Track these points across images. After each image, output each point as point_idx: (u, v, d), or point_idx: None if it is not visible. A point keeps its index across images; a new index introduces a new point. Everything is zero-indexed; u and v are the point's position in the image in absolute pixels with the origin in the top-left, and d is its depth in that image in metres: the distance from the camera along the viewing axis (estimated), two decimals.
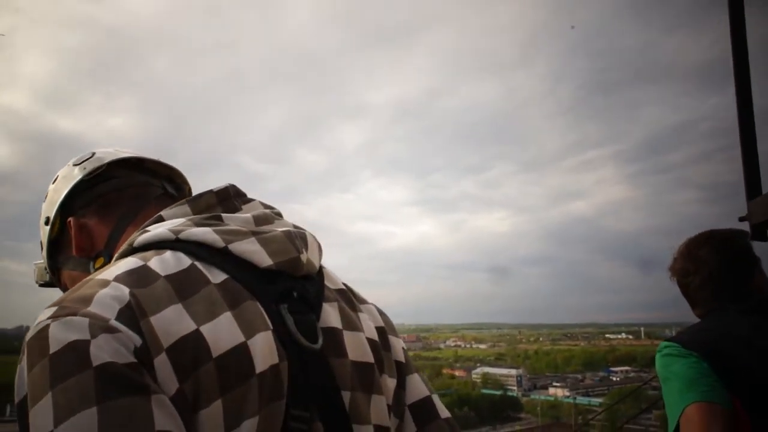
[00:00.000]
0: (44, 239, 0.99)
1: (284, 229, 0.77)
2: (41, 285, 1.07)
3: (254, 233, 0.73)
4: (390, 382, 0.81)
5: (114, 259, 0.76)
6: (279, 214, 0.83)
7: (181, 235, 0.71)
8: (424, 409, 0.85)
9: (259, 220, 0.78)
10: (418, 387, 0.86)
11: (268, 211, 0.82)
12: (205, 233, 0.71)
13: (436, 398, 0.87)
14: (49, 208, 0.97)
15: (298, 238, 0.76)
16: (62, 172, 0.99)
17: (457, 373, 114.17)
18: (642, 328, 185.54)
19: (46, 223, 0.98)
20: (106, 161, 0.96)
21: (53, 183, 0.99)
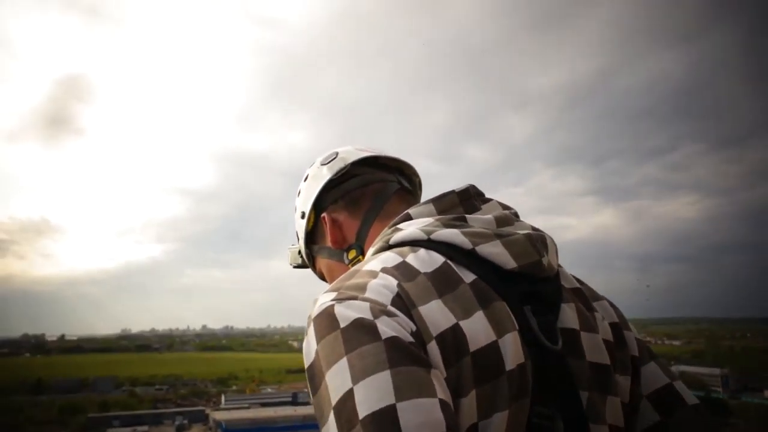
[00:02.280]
0: (300, 231, 1.13)
1: (525, 231, 0.79)
2: (295, 267, 1.23)
3: (498, 235, 0.77)
4: (624, 381, 0.83)
5: (371, 253, 0.85)
6: (516, 215, 0.87)
7: (433, 236, 0.77)
8: (665, 397, 0.85)
9: (500, 221, 0.82)
10: (656, 375, 0.87)
11: (506, 212, 0.86)
12: (455, 235, 0.76)
13: (679, 385, 0.87)
14: (305, 204, 1.10)
15: (538, 241, 0.79)
16: (311, 171, 1.12)
17: None
18: None
19: (302, 217, 1.11)
20: (350, 161, 1.07)
21: (304, 181, 1.12)
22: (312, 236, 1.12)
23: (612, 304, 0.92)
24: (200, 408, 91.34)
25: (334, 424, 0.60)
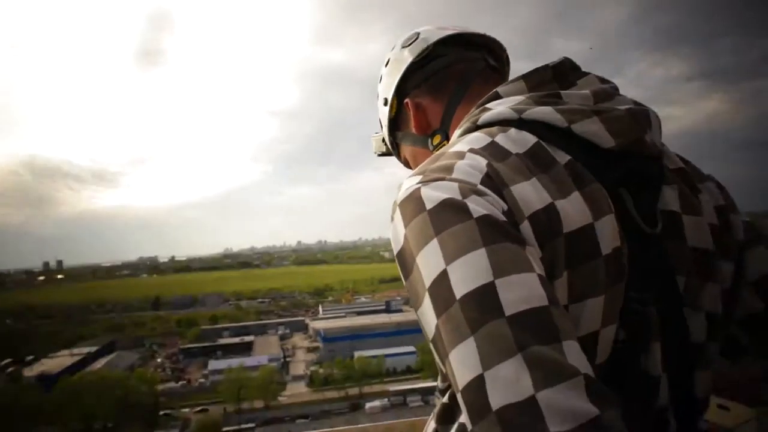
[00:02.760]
0: (383, 118, 1.09)
1: (626, 106, 0.74)
2: (379, 155, 1.21)
3: (596, 112, 0.72)
4: (727, 267, 0.79)
5: (457, 135, 0.80)
6: (616, 89, 0.80)
7: (525, 115, 0.72)
8: None
9: (598, 96, 0.75)
10: (763, 261, 0.82)
11: (606, 86, 0.79)
12: (548, 113, 0.71)
13: None
14: (387, 90, 1.05)
15: (641, 117, 0.74)
16: (392, 55, 1.06)
17: None
18: None
19: (385, 104, 1.06)
20: (432, 41, 1.00)
21: (385, 66, 1.07)
22: (395, 123, 1.08)
23: (720, 185, 0.87)
24: (300, 318, 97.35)
25: (430, 306, 0.59)
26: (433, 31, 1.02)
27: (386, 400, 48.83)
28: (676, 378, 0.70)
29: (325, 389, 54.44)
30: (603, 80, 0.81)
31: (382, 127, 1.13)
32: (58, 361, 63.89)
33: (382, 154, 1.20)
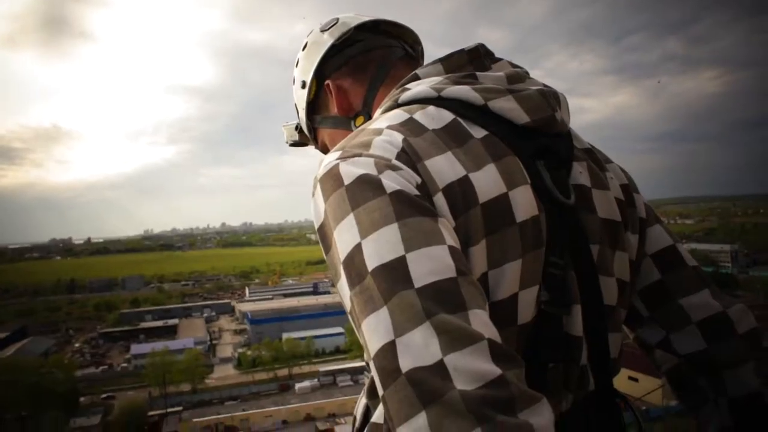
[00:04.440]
0: (300, 102, 1.07)
1: (537, 87, 0.79)
2: (291, 144, 1.21)
3: (510, 91, 0.77)
4: (633, 239, 0.86)
5: (379, 113, 0.84)
6: (527, 73, 0.86)
7: (443, 93, 0.77)
8: (667, 256, 0.89)
9: (511, 78, 0.80)
10: (660, 237, 0.90)
11: (518, 69, 0.85)
12: (466, 91, 0.76)
13: (680, 247, 0.90)
14: (305, 73, 1.04)
15: (551, 96, 0.79)
16: (311, 38, 1.05)
17: None
18: None
19: (303, 87, 1.05)
20: (352, 26, 1.01)
21: (303, 50, 1.06)
22: (313, 107, 1.07)
23: (622, 169, 0.93)
24: (226, 301, 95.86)
25: (345, 280, 0.62)
26: (352, 17, 1.04)
27: (316, 380, 49.32)
28: (594, 339, 0.76)
29: (253, 371, 54.23)
30: (514, 65, 0.86)
31: (297, 112, 1.11)
32: None
33: (294, 144, 1.20)
